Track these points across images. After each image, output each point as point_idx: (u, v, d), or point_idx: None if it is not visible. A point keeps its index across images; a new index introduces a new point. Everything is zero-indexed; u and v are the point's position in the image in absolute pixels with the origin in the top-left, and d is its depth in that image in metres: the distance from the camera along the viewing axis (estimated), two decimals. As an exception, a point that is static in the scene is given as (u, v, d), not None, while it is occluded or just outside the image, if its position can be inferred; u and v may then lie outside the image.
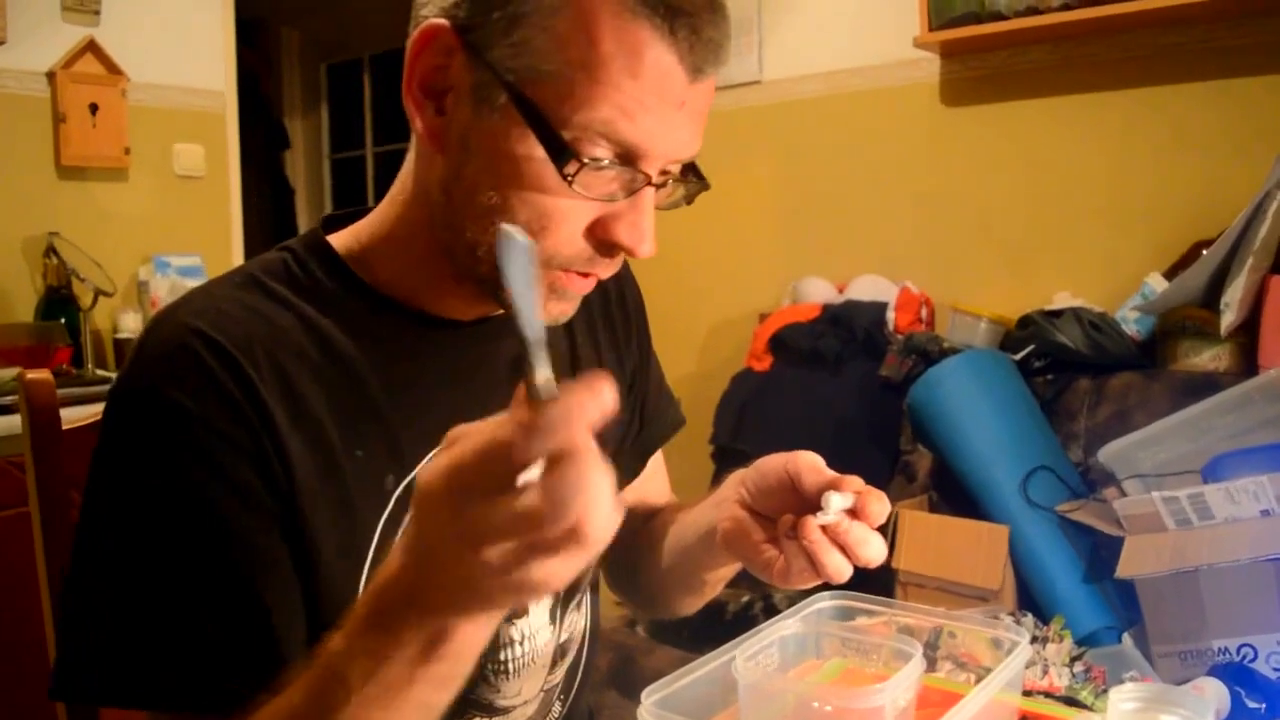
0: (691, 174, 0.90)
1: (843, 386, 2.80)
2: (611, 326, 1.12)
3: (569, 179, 0.79)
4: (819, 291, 3.12)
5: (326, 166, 5.55)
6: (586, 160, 0.79)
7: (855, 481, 0.78)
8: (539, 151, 0.79)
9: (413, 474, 0.90)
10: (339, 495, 0.86)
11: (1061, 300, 2.75)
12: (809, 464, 0.81)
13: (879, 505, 0.76)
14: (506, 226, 0.57)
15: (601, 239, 0.84)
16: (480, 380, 0.96)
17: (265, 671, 0.80)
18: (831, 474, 0.81)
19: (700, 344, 3.56)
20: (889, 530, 2.34)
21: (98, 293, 2.90)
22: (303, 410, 0.85)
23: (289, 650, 0.82)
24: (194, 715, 0.80)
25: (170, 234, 3.27)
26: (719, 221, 3.45)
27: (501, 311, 0.94)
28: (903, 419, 2.66)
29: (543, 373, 0.58)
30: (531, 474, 0.57)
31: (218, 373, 0.81)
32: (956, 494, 2.49)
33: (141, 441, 0.81)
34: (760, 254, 3.45)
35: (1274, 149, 2.44)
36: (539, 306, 0.60)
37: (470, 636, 0.67)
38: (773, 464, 0.88)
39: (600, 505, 0.58)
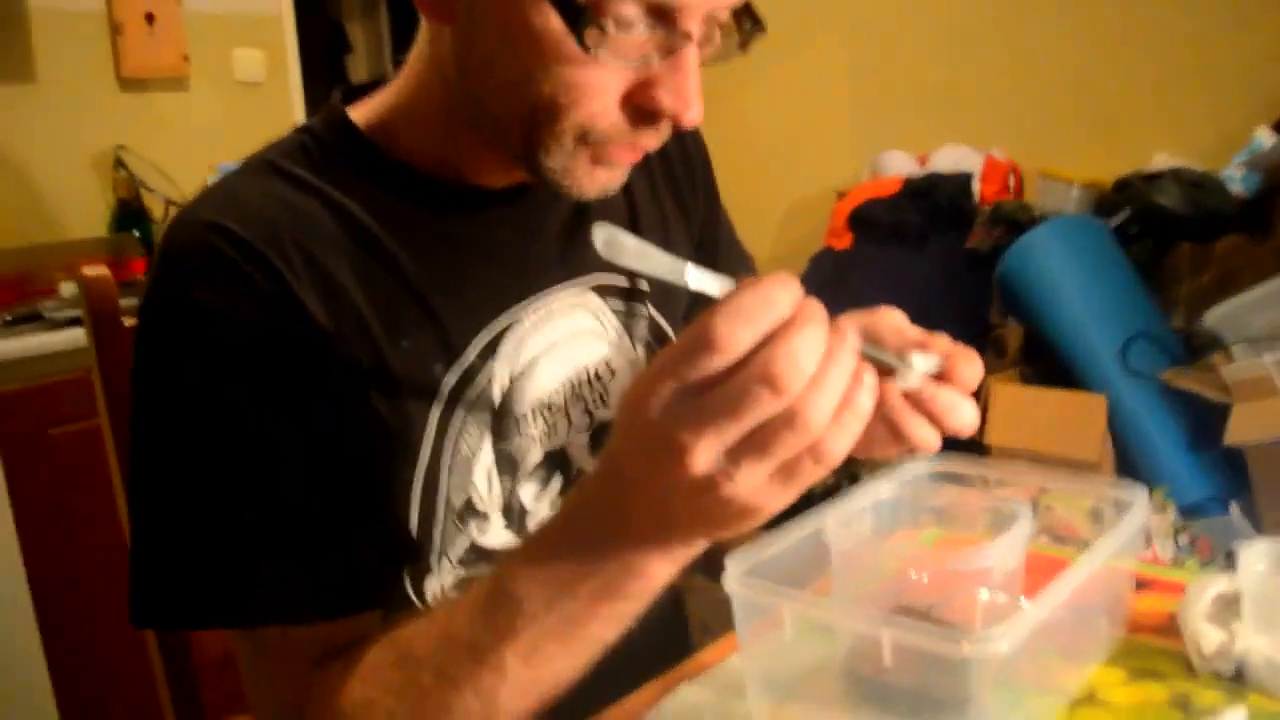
0: (745, 17, 0.76)
1: (927, 262, 2.69)
2: (674, 180, 1.04)
3: (590, 50, 0.70)
4: (899, 165, 3.00)
5: (389, 70, 5.46)
6: (610, 24, 0.69)
7: (943, 341, 0.68)
8: (555, 20, 0.70)
9: (466, 361, 0.84)
10: (387, 389, 0.81)
11: (1160, 162, 2.59)
12: (890, 323, 0.71)
13: (970, 367, 0.66)
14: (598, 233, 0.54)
15: (641, 107, 0.74)
16: (526, 255, 0.89)
17: (341, 573, 0.78)
18: (917, 333, 0.72)
19: (776, 225, 3.46)
20: (980, 399, 2.26)
21: (168, 203, 2.90)
22: (340, 301, 0.79)
23: (358, 551, 0.80)
24: (284, 626, 0.78)
25: (234, 142, 3.23)
26: (791, 95, 3.33)
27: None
28: (992, 292, 2.55)
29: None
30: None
31: (244, 268, 0.76)
32: (1050, 368, 2.39)
33: (174, 348, 0.77)
34: (836, 128, 3.33)
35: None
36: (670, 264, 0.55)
37: (660, 573, 0.63)
38: (853, 321, 0.80)
39: (829, 387, 0.53)
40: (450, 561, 0.86)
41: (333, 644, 0.78)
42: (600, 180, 0.79)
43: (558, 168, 0.77)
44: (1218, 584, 0.79)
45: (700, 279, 0.54)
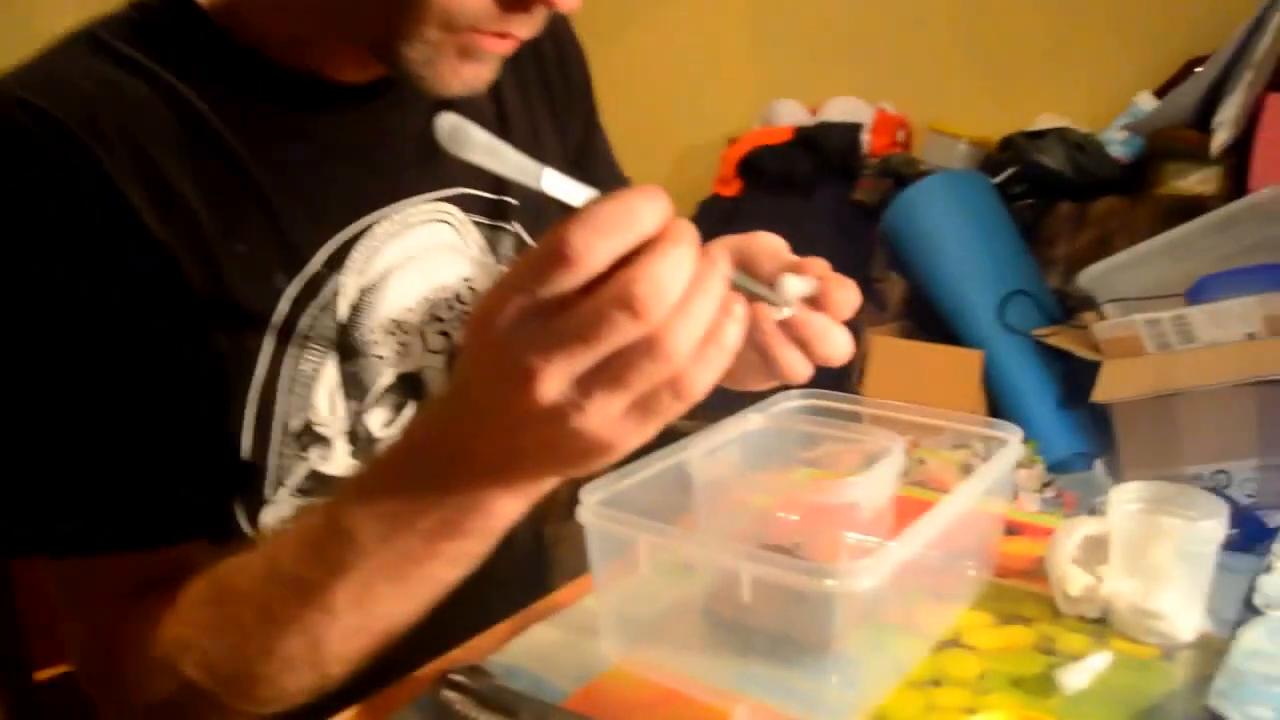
0: None
1: (814, 211, 2.68)
2: (549, 90, 0.97)
3: None
4: (791, 114, 2.97)
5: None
6: None
7: (819, 265, 0.64)
8: None
9: (309, 270, 0.77)
10: (218, 297, 0.73)
11: (1045, 121, 2.61)
12: (767, 247, 0.68)
13: (845, 293, 0.63)
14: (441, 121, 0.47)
15: None
16: (381, 157, 0.82)
17: (157, 499, 0.72)
18: (792, 257, 0.67)
19: (666, 170, 3.40)
20: (858, 350, 2.26)
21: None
22: (168, 197, 0.71)
23: (180, 476, 0.73)
24: (89, 556, 0.71)
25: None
26: (685, 40, 3.27)
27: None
28: (875, 245, 2.55)
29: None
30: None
31: (55, 152, 0.67)
32: (929, 323, 2.40)
33: None
34: (729, 74, 3.28)
35: (1278, -44, 2.28)
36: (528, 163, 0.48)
37: (504, 511, 0.57)
38: (726, 246, 0.75)
39: (695, 316, 0.48)
40: (288, 490, 0.79)
41: (147, 577, 0.71)
42: (465, 76, 0.72)
43: (419, 59, 0.69)
44: (1086, 526, 0.78)
45: (559, 185, 0.48)
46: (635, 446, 0.52)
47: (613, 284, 0.46)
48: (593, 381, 0.48)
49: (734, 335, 0.50)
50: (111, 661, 0.71)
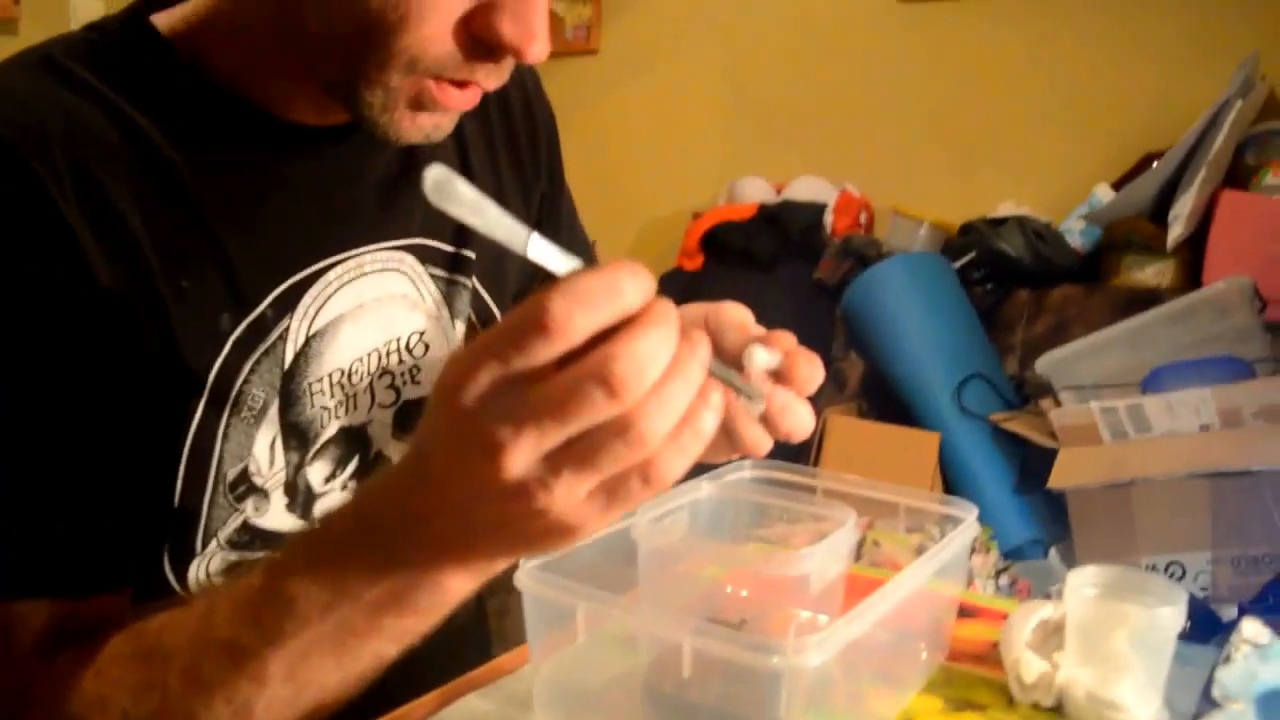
0: None
1: (776, 288, 2.69)
2: (515, 146, 0.95)
3: None
4: (756, 191, 3.00)
5: None
6: None
7: (786, 339, 0.63)
8: None
9: (255, 313, 0.74)
10: (159, 336, 0.69)
11: (1006, 209, 2.65)
12: (734, 319, 0.66)
13: (810, 369, 0.61)
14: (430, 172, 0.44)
15: (479, 36, 0.66)
16: (339, 202, 0.79)
17: (78, 544, 0.68)
18: (758, 330, 0.66)
19: (630, 242, 3.41)
20: (816, 430, 2.25)
21: None
22: (114, 228, 0.68)
23: (104, 521, 0.69)
24: (13, 601, 0.67)
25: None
26: (654, 115, 3.30)
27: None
28: (835, 325, 2.56)
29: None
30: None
31: (2, 179, 0.64)
32: (887, 404, 2.40)
33: None
34: (697, 151, 3.31)
35: (1233, 59, 2.35)
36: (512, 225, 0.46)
37: (455, 588, 0.54)
38: (691, 315, 0.73)
39: (672, 400, 0.45)
40: (219, 543, 0.75)
41: (66, 628, 0.67)
42: (423, 125, 0.70)
43: (377, 104, 0.67)
44: (1042, 610, 0.75)
45: (543, 250, 0.46)
46: (597, 531, 0.50)
47: (591, 359, 0.44)
48: (561, 460, 0.46)
49: (710, 423, 0.48)
50: (21, 715, 0.66)
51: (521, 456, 0.46)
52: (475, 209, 0.44)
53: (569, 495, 0.47)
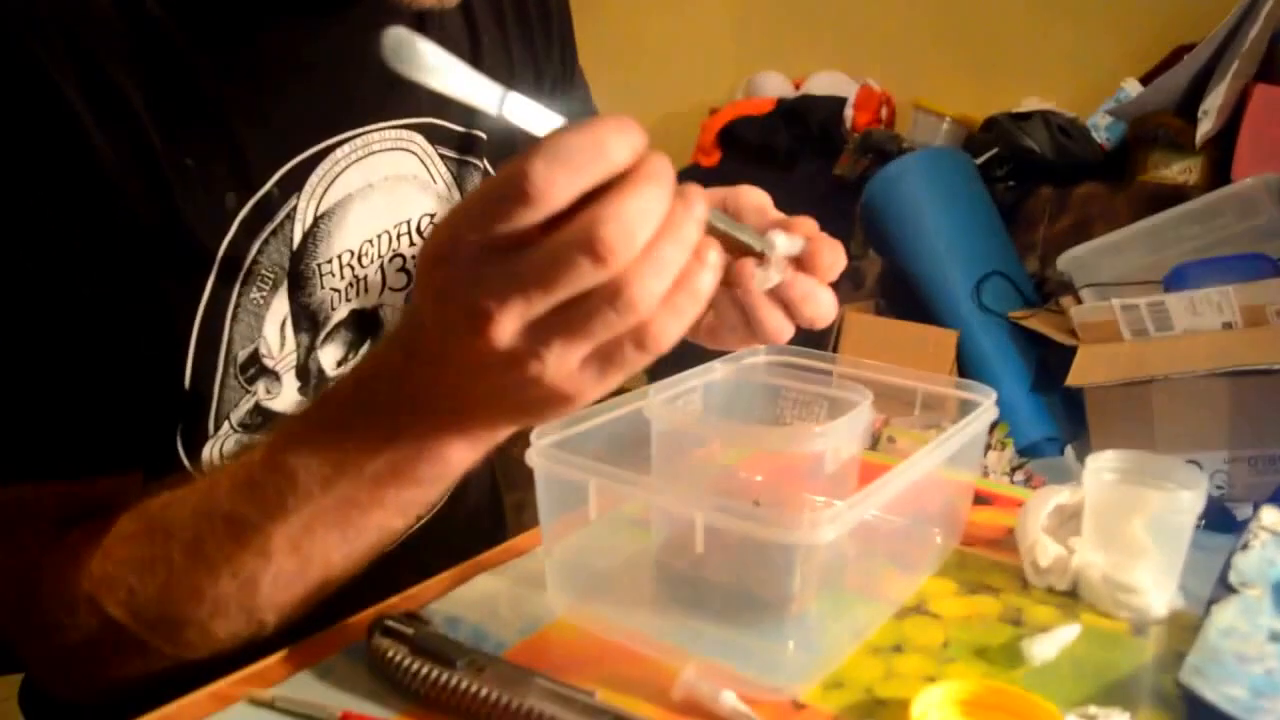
0: None
1: (794, 185, 2.64)
2: (526, 24, 0.92)
3: None
4: (774, 86, 2.94)
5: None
6: None
7: (807, 224, 0.61)
8: None
9: (261, 192, 0.72)
10: (164, 218, 0.67)
11: (1030, 104, 2.59)
12: (753, 202, 0.64)
13: (832, 254, 0.59)
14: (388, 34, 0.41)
15: None
16: (346, 78, 0.76)
17: (87, 426, 0.67)
18: (778, 215, 0.63)
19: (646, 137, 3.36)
20: (834, 326, 2.23)
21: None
22: (112, 104, 0.65)
23: (114, 403, 0.68)
24: (21, 483, 0.66)
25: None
26: (670, 7, 3.22)
27: None
28: (854, 222, 2.52)
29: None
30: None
31: None
32: (905, 302, 2.37)
33: None
34: (712, 44, 3.24)
35: (1270, -54, 2.25)
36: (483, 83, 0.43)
37: (457, 459, 0.54)
38: (709, 198, 0.71)
39: (664, 262, 0.44)
40: (232, 425, 0.75)
41: (74, 510, 0.67)
42: None
43: None
44: (1059, 495, 0.75)
45: (521, 110, 0.43)
46: (595, 398, 0.49)
47: (575, 224, 0.42)
48: (551, 328, 0.45)
49: (707, 284, 0.46)
50: (32, 598, 0.67)
51: (508, 326, 0.44)
52: (440, 71, 0.42)
53: (561, 364, 0.46)
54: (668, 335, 0.46)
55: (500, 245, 0.44)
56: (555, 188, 0.42)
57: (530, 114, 0.44)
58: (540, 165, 0.41)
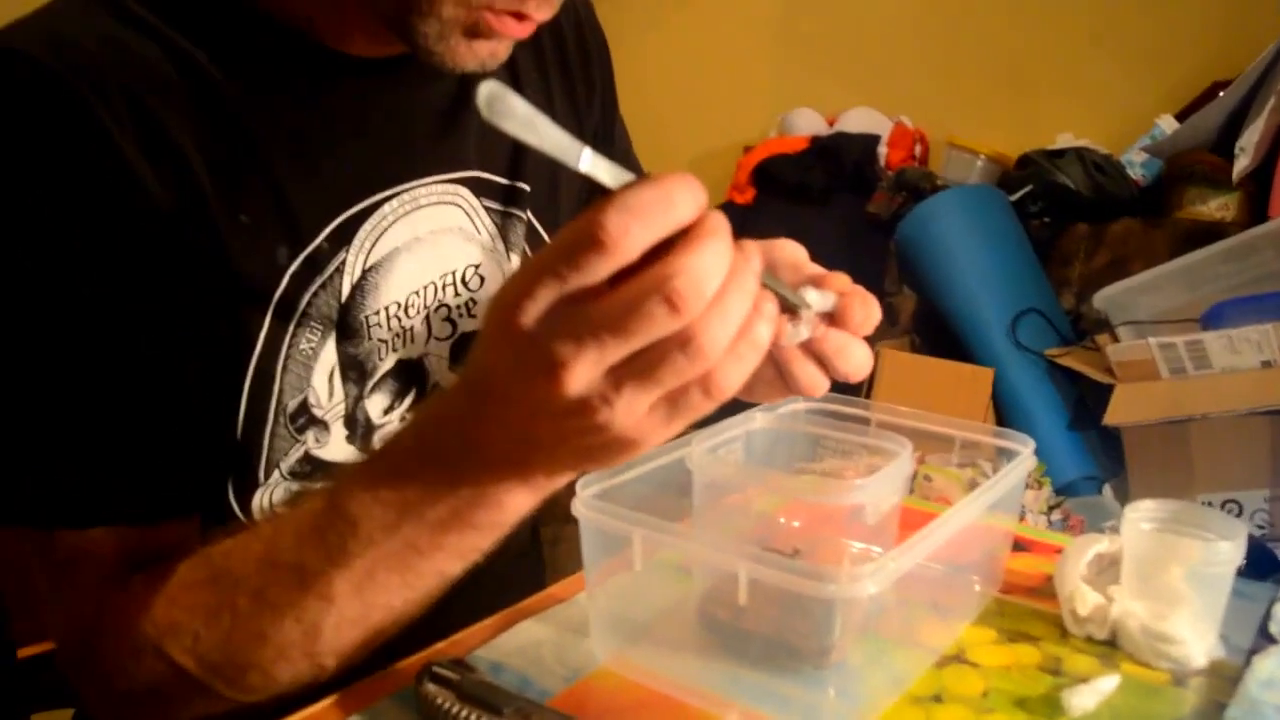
0: None
1: (828, 222, 2.65)
2: (568, 76, 0.94)
3: None
4: (808, 123, 2.95)
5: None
6: None
7: (840, 279, 0.62)
8: None
9: (312, 246, 0.74)
10: (219, 270, 0.70)
11: (1065, 140, 2.59)
12: (788, 257, 0.65)
13: (865, 310, 0.60)
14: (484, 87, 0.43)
15: None
16: (394, 135, 0.79)
17: (146, 474, 0.69)
18: (813, 269, 0.65)
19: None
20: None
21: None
22: (172, 162, 0.68)
23: (171, 452, 0.70)
24: (73, 530, 0.69)
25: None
26: (704, 46, 3.25)
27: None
28: (888, 259, 2.53)
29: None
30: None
31: (55, 112, 0.64)
32: (940, 339, 2.37)
33: None
34: (747, 82, 3.26)
35: (1305, -17, 2.26)
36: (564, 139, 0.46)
37: (517, 504, 0.56)
38: (753, 245, 0.72)
39: (731, 312, 0.46)
40: (281, 474, 0.77)
41: (135, 556, 0.69)
42: (479, 53, 0.69)
43: (432, 34, 0.67)
44: (1098, 544, 0.75)
45: (596, 164, 0.46)
46: (658, 444, 0.50)
47: (651, 275, 0.44)
48: (623, 375, 0.47)
49: (766, 333, 0.48)
50: (94, 642, 0.69)
51: (583, 373, 0.46)
52: (528, 124, 0.44)
53: (631, 410, 0.47)
54: (731, 382, 0.48)
55: (574, 296, 0.46)
56: (628, 238, 0.44)
57: (604, 169, 0.46)
58: (614, 217, 0.43)
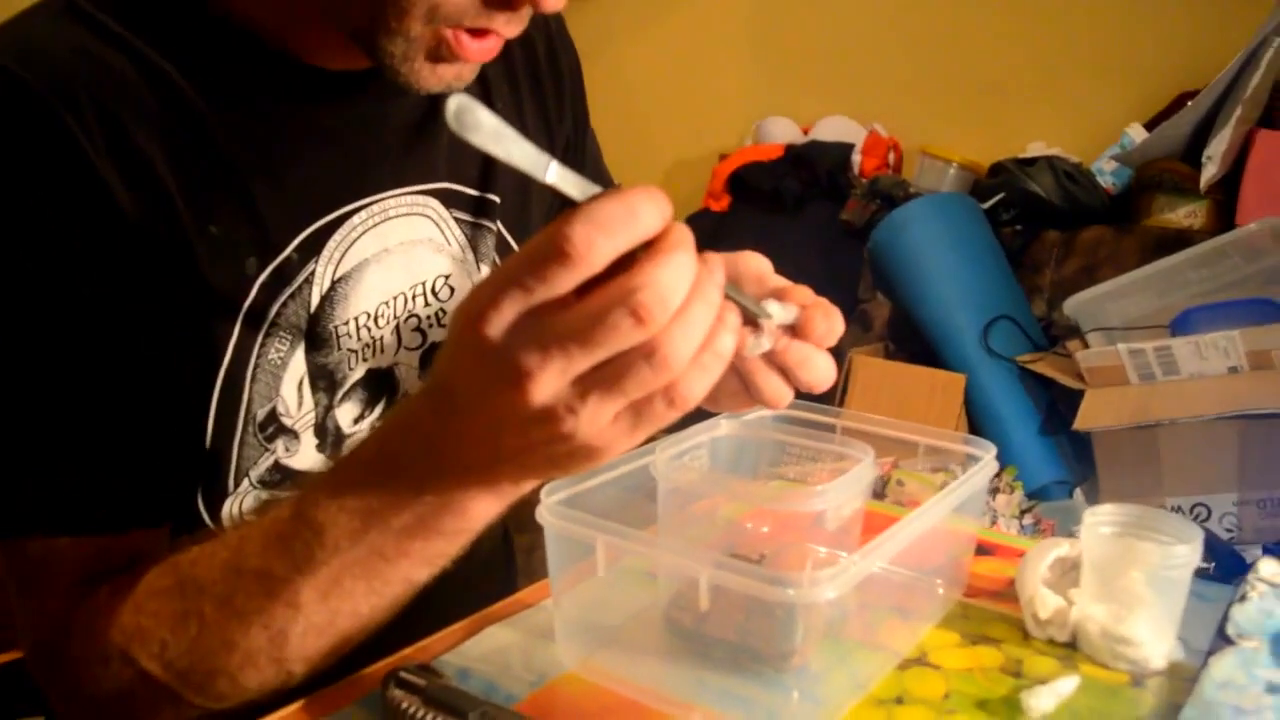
0: None
1: (802, 230, 2.67)
2: (539, 89, 0.95)
3: None
4: (783, 131, 2.97)
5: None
6: None
7: (803, 292, 0.62)
8: None
9: (281, 257, 0.74)
10: (188, 280, 0.70)
11: (1036, 149, 2.62)
12: (752, 269, 0.65)
13: (827, 322, 0.60)
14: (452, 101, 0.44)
15: None
16: (363, 147, 0.79)
17: (116, 482, 0.69)
18: (778, 282, 0.65)
19: (655, 182, 3.31)
20: (842, 371, 2.25)
21: None
22: (142, 173, 0.68)
23: (140, 460, 0.71)
24: (41, 538, 0.69)
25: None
26: (680, 55, 3.26)
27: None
28: (862, 266, 2.54)
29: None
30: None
31: (25, 122, 0.65)
32: (913, 346, 2.39)
33: None
34: (723, 91, 3.27)
35: (1270, -7, 2.29)
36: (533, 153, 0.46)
37: (481, 512, 0.56)
38: (717, 257, 0.73)
39: (694, 323, 0.47)
40: (251, 482, 0.77)
41: (104, 564, 0.69)
42: (444, 77, 0.69)
43: (397, 53, 0.67)
44: (1058, 548, 0.76)
45: (563, 177, 0.46)
46: (622, 453, 0.51)
47: (616, 287, 0.45)
48: (588, 385, 0.47)
49: (730, 344, 0.49)
50: (62, 649, 0.69)
51: (549, 383, 0.47)
52: (496, 137, 0.45)
53: (595, 419, 0.48)
54: (695, 392, 0.49)
55: (539, 307, 0.46)
56: (594, 250, 0.44)
57: (571, 182, 0.47)
58: (580, 229, 0.44)
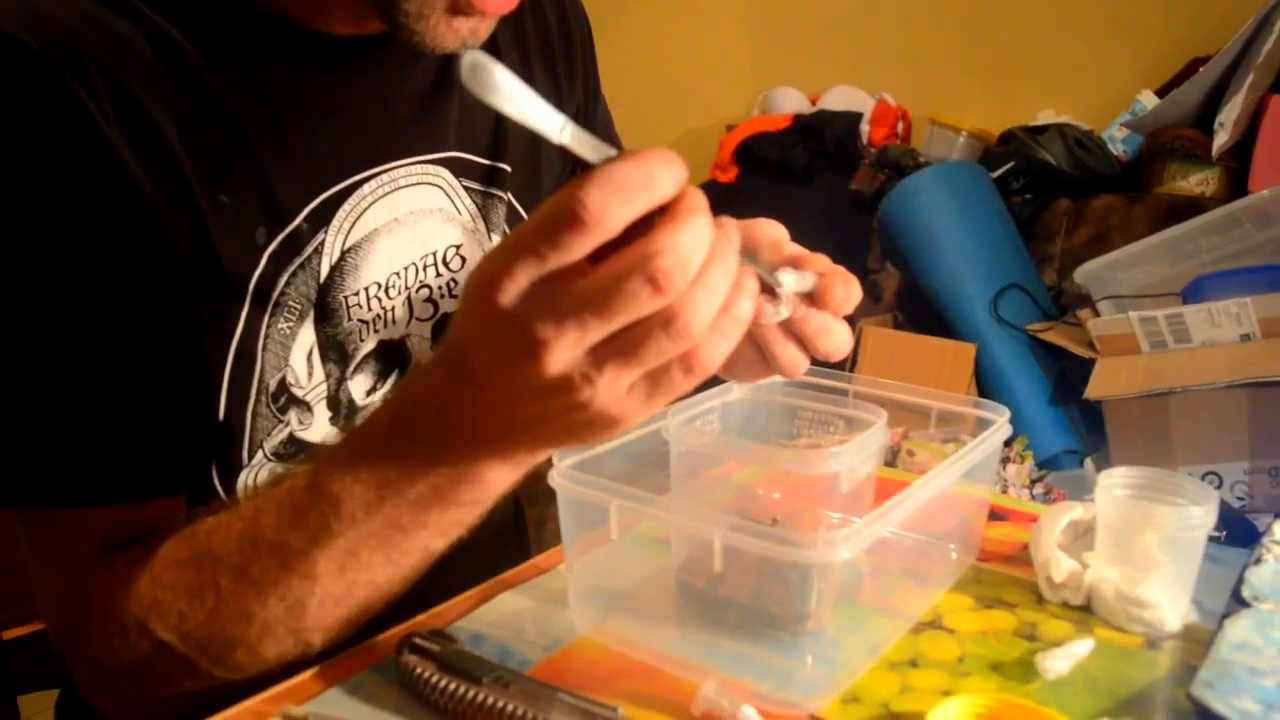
0: None
1: (810, 200, 2.66)
2: (550, 57, 0.94)
3: None
4: (790, 102, 2.95)
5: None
6: None
7: (821, 260, 0.62)
8: None
9: (290, 227, 0.74)
10: (199, 248, 0.70)
11: (1046, 117, 2.60)
12: (768, 236, 0.64)
13: (845, 289, 0.60)
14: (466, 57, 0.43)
15: None
16: (373, 115, 0.78)
17: (131, 453, 0.69)
18: (793, 249, 0.64)
19: (663, 154, 3.38)
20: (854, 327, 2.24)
21: None
22: (151, 142, 0.67)
23: (154, 431, 0.70)
24: (61, 508, 0.68)
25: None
26: (686, 24, 3.24)
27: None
28: (871, 236, 2.53)
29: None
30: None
31: (34, 91, 0.64)
32: (922, 316, 2.38)
33: None
34: (729, 60, 3.26)
35: (1284, -43, 2.26)
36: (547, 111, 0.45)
37: (498, 481, 0.55)
38: (732, 222, 0.72)
39: (713, 289, 0.46)
40: (266, 455, 0.77)
41: (122, 534, 0.69)
42: (459, 31, 0.68)
43: (412, 11, 0.66)
44: (1072, 511, 0.76)
45: (577, 138, 0.45)
46: (640, 421, 0.50)
47: (633, 254, 0.44)
48: (604, 354, 0.46)
49: (747, 309, 0.49)
50: (83, 621, 0.69)
51: (564, 352, 0.46)
52: (510, 96, 0.44)
53: (612, 388, 0.47)
54: (713, 359, 0.48)
55: (554, 275, 0.45)
56: (609, 215, 0.43)
57: (586, 143, 0.46)
58: (595, 193, 0.43)
